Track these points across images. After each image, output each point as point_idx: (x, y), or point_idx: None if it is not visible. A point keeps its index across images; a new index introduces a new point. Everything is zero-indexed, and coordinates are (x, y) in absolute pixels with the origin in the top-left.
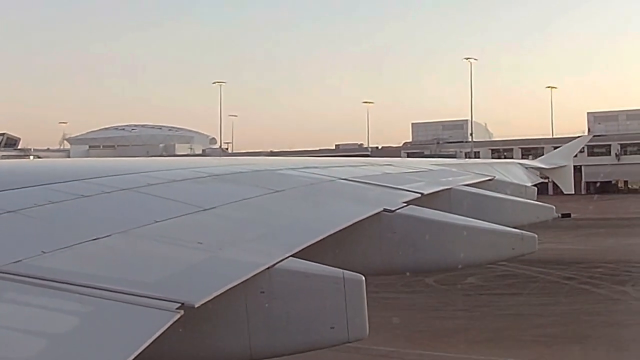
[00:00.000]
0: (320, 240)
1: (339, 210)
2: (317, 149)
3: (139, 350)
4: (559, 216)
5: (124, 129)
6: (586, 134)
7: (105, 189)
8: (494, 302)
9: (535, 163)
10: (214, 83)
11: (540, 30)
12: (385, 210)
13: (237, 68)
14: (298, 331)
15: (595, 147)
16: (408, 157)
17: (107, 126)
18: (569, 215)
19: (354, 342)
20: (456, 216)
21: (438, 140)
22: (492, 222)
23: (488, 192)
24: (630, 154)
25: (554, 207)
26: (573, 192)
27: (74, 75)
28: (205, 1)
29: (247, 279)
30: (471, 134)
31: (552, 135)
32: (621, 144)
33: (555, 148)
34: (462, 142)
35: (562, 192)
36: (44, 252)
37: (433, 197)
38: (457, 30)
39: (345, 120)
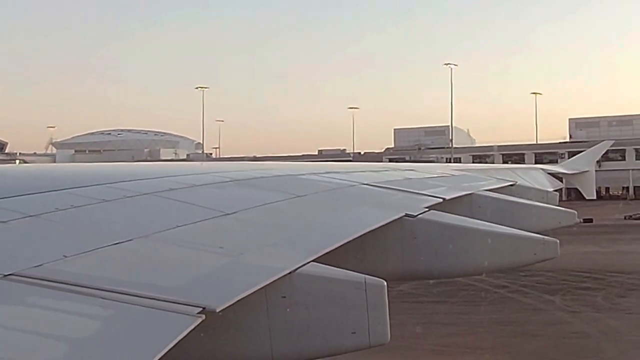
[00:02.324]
0: (342, 245)
1: (360, 215)
2: (300, 154)
3: (160, 355)
4: (580, 221)
5: (110, 134)
6: (567, 140)
7: (127, 193)
8: (413, 310)
9: (558, 168)
10: (196, 88)
11: (525, 37)
12: (407, 215)
13: (225, 73)
14: (319, 336)
15: (576, 154)
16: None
17: (93, 131)
18: (590, 220)
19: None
20: (478, 221)
21: (419, 146)
22: (513, 228)
23: (510, 197)
24: (612, 161)
25: (576, 213)
26: (595, 197)
27: (63, 79)
28: (192, 6)
29: (269, 284)
30: (451, 140)
31: (537, 141)
32: None
33: (536, 154)
34: (443, 147)
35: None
36: (66, 257)
37: (455, 202)
38: (442, 37)
39: (328, 126)
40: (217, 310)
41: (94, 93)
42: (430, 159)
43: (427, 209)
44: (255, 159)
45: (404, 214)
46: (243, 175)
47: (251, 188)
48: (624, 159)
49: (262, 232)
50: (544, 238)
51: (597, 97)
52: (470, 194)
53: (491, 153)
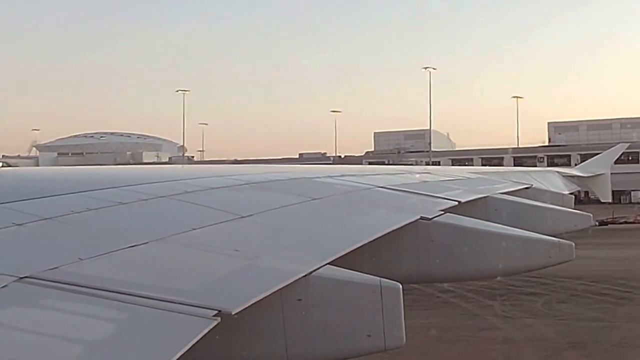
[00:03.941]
0: (358, 248)
1: (376, 218)
2: (281, 157)
3: (176, 358)
4: (596, 224)
5: (92, 137)
6: (547, 144)
7: (143, 196)
8: None
9: (574, 171)
10: (177, 91)
11: (506, 41)
12: (422, 218)
13: (209, 76)
14: (334, 339)
15: (555, 158)
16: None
17: (76, 133)
18: (606, 223)
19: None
20: (493, 224)
21: (399, 149)
22: (529, 230)
23: (525, 200)
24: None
25: (591, 215)
26: (611, 201)
27: (48, 82)
28: (175, 10)
29: (284, 287)
30: (429, 144)
31: (518, 145)
32: (581, 155)
33: (515, 158)
34: (422, 151)
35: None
36: (81, 259)
37: (470, 205)
38: (424, 41)
39: (310, 130)
40: (233, 313)
41: (79, 96)
42: (410, 162)
43: (442, 212)
44: (236, 162)
45: (419, 216)
46: (259, 178)
47: (267, 191)
48: None
49: (277, 234)
50: (559, 241)
51: (578, 101)
52: (485, 196)
53: (470, 157)
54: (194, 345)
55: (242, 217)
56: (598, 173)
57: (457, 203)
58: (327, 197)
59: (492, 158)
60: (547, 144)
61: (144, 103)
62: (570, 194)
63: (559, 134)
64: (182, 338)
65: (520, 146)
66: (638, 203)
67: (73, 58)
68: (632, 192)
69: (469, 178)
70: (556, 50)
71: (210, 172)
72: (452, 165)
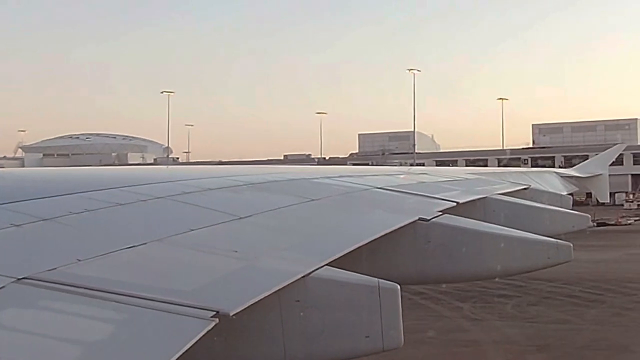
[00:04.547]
0: (356, 249)
1: (374, 219)
2: (266, 159)
3: (174, 358)
4: (594, 225)
5: (78, 138)
6: (531, 145)
7: (141, 197)
8: None
9: (572, 172)
10: (162, 92)
11: (491, 43)
12: (420, 219)
13: (195, 78)
14: (333, 340)
15: (540, 159)
16: None
17: (61, 135)
18: (604, 223)
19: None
20: (491, 225)
21: (383, 151)
22: (527, 231)
23: (523, 201)
24: (575, 166)
25: (589, 216)
26: (608, 201)
27: (35, 83)
28: (160, 11)
29: (283, 288)
30: (413, 145)
31: (503, 146)
32: (565, 156)
33: (499, 160)
34: (407, 153)
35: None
36: (79, 260)
37: (468, 206)
38: (410, 43)
39: (295, 132)
40: (231, 314)
41: (65, 97)
42: (394, 164)
43: (440, 213)
44: (220, 163)
45: (417, 217)
46: (257, 179)
47: (265, 192)
48: None
49: (276, 236)
50: (557, 242)
51: (562, 103)
52: (483, 197)
53: (454, 158)
54: (192, 346)
55: (241, 218)
56: (596, 173)
57: (455, 204)
58: (325, 198)
59: (476, 160)
60: (531, 145)
61: (130, 104)
62: (569, 194)
63: (543, 135)
64: (180, 339)
65: (504, 148)
66: (621, 205)
67: (59, 59)
68: (616, 194)
69: (466, 179)
70: (541, 52)
71: (208, 173)
72: (437, 166)
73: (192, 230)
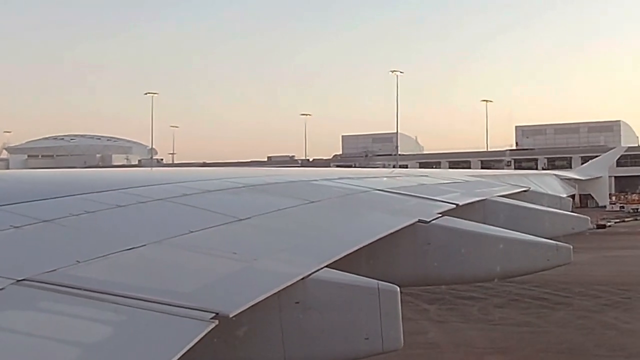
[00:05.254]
0: (355, 251)
1: (373, 221)
2: (250, 160)
3: None
4: (594, 227)
5: (63, 139)
6: (514, 147)
7: (141, 199)
8: None
9: (571, 174)
10: (145, 94)
11: (475, 45)
12: (420, 221)
13: (180, 80)
14: (332, 342)
15: (523, 161)
16: None
17: (46, 136)
18: (603, 226)
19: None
20: (491, 227)
21: (366, 152)
22: (527, 233)
23: (523, 203)
24: (558, 168)
25: (589, 218)
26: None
27: (20, 85)
28: (145, 13)
29: (282, 290)
30: (396, 147)
31: (487, 148)
32: (548, 158)
33: (482, 161)
34: (390, 154)
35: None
36: (79, 262)
37: (468, 208)
38: (394, 45)
39: (279, 133)
40: (231, 316)
41: (50, 98)
42: (377, 165)
43: (440, 215)
44: (204, 164)
45: (417, 219)
46: (256, 181)
47: (265, 194)
48: (571, 167)
49: (275, 237)
50: (557, 244)
51: (546, 105)
52: (483, 199)
53: (438, 160)
54: (191, 347)
55: (240, 219)
56: (596, 176)
57: (454, 206)
58: (325, 199)
59: (459, 162)
60: (514, 147)
61: (114, 106)
62: (569, 196)
63: (527, 137)
64: (179, 340)
65: (489, 150)
66: (604, 207)
67: (43, 61)
68: None
69: (466, 181)
70: (525, 54)
71: (208, 175)
72: (420, 168)
73: (192, 231)
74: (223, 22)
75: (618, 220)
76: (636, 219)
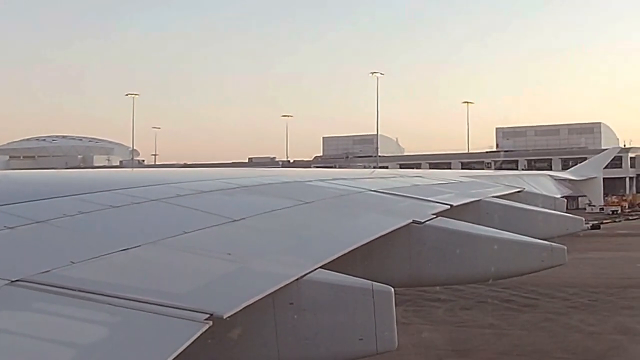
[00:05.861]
0: (349, 252)
1: (368, 222)
2: (231, 162)
3: None
4: (588, 227)
5: (44, 140)
6: (494, 149)
7: (135, 199)
8: None
9: (566, 175)
10: (126, 95)
11: (457, 47)
12: (414, 222)
13: (163, 81)
14: (326, 343)
15: (503, 163)
16: None
17: (28, 137)
18: (598, 226)
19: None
20: (485, 228)
21: (347, 154)
22: (521, 234)
23: (517, 203)
24: (538, 170)
25: (584, 219)
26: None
27: (1, 85)
28: (127, 14)
29: (276, 291)
30: (377, 149)
31: (468, 150)
32: (528, 160)
33: (462, 163)
34: (370, 156)
35: None
36: (73, 263)
37: (462, 208)
38: (376, 47)
39: (260, 134)
40: (225, 317)
41: (31, 99)
42: (358, 167)
43: (434, 216)
44: (185, 166)
45: (411, 220)
46: (251, 181)
47: (259, 194)
48: (551, 169)
49: (269, 238)
50: (551, 245)
51: (527, 107)
52: (477, 200)
53: (418, 162)
54: (186, 348)
55: (234, 220)
56: (590, 176)
57: (449, 207)
58: (319, 200)
59: (440, 163)
60: (494, 149)
61: (96, 107)
62: (563, 197)
63: (507, 139)
64: (173, 341)
65: (470, 151)
66: (584, 209)
67: (24, 61)
68: (579, 198)
69: (460, 182)
70: (506, 56)
71: (202, 176)
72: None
73: (186, 232)
74: (204, 24)
75: (597, 222)
76: (614, 221)
